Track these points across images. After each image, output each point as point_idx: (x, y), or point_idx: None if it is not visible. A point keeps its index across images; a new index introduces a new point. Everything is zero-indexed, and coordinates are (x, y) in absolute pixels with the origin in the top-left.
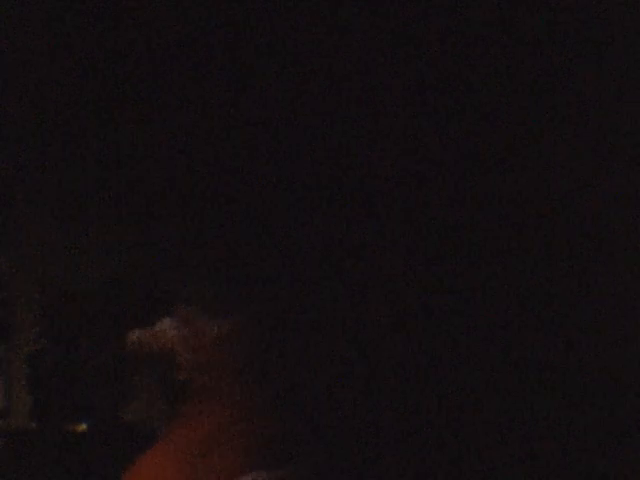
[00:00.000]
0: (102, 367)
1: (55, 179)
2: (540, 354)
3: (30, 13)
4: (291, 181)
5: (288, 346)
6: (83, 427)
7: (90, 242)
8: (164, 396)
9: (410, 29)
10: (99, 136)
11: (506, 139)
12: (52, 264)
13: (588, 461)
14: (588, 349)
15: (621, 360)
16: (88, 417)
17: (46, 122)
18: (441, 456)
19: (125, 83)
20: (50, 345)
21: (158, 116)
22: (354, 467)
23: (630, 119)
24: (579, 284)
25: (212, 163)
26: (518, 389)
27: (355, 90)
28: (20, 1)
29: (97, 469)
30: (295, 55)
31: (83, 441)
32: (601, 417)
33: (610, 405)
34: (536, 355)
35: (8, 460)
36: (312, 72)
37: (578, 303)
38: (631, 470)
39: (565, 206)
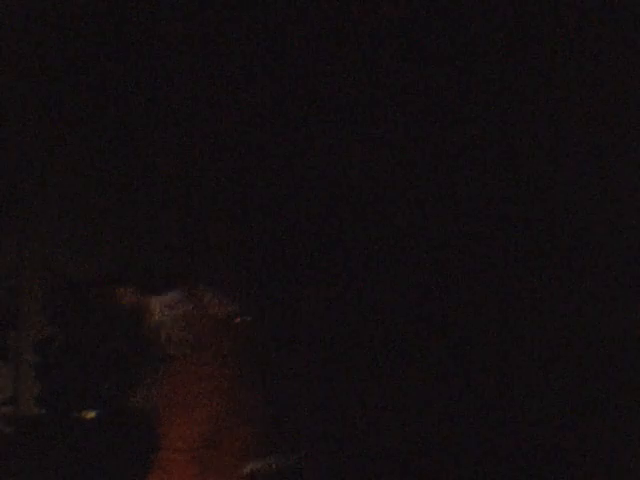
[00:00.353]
0: (110, 354)
1: (61, 169)
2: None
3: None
4: (301, 176)
5: (289, 340)
6: (91, 414)
7: (97, 230)
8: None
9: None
10: (106, 126)
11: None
12: (59, 252)
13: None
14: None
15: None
16: (96, 404)
17: (53, 114)
18: (436, 455)
19: (130, 76)
20: (58, 333)
21: (165, 108)
22: (353, 459)
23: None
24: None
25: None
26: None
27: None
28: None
29: (105, 456)
30: (294, 58)
31: (91, 428)
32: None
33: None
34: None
35: (17, 447)
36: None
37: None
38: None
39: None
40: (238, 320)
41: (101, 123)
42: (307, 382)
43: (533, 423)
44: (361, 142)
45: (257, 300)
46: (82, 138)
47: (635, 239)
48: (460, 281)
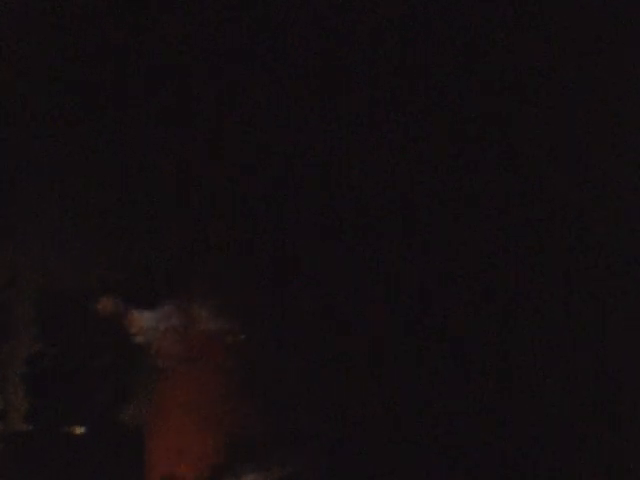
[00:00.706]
0: (100, 369)
1: (51, 180)
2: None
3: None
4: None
5: (287, 349)
6: (81, 430)
7: (89, 244)
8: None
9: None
10: (102, 136)
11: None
12: (50, 266)
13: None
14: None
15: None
16: (86, 420)
17: (47, 124)
18: (436, 455)
19: (129, 76)
20: (48, 347)
21: (162, 113)
22: (346, 465)
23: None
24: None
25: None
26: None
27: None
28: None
29: (95, 472)
30: (294, 60)
31: (81, 444)
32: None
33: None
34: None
35: (5, 463)
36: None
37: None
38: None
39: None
40: (231, 338)
41: (98, 137)
42: (303, 390)
43: (533, 423)
44: (361, 142)
45: (252, 313)
46: (77, 152)
47: (635, 239)
48: (460, 280)
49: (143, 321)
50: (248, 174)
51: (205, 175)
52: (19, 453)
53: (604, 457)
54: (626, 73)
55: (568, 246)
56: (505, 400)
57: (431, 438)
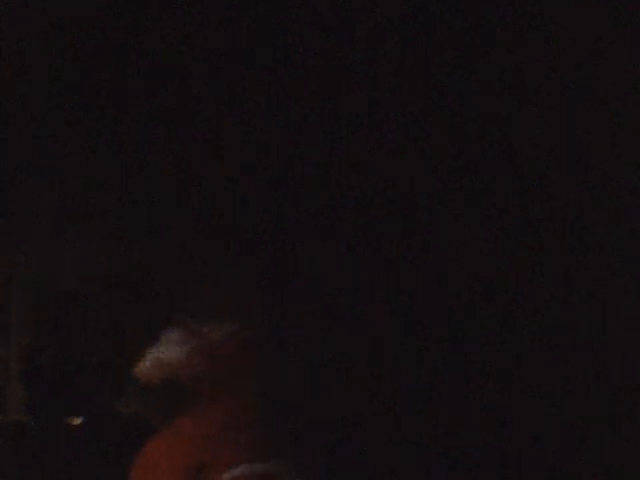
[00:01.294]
0: (97, 361)
1: (51, 180)
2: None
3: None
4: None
5: (288, 349)
6: (78, 420)
7: (87, 242)
8: (164, 396)
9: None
10: (98, 136)
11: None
12: (48, 263)
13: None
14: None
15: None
16: (83, 410)
17: (45, 126)
18: (432, 454)
19: (129, 77)
20: (46, 341)
21: (158, 113)
22: (346, 465)
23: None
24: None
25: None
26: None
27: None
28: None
29: (92, 462)
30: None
31: (78, 434)
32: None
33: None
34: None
35: (4, 454)
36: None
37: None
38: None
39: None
40: (239, 344)
41: (93, 137)
42: (303, 390)
43: (533, 423)
44: (361, 142)
45: (256, 315)
46: (73, 154)
47: (635, 239)
48: (460, 280)
49: (173, 348)
50: (248, 174)
51: (205, 175)
52: (18, 447)
53: (604, 457)
54: (626, 73)
55: (568, 246)
56: (505, 400)
57: (431, 438)
